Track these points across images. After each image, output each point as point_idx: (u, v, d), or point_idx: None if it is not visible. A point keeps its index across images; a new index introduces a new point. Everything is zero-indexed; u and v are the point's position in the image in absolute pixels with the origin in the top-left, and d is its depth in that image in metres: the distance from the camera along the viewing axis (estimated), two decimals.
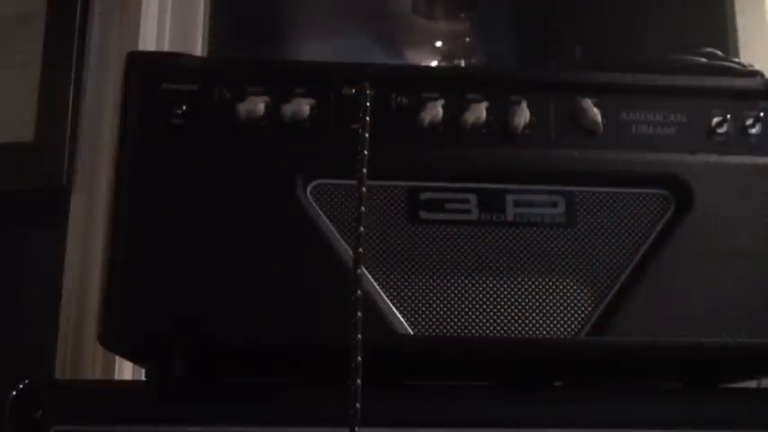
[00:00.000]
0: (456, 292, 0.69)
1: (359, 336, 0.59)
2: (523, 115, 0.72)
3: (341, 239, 0.68)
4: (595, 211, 0.72)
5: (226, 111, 0.70)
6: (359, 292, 0.61)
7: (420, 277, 0.69)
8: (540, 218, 0.71)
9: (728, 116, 0.74)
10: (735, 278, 0.70)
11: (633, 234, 0.71)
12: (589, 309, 0.70)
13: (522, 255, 0.70)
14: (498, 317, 0.69)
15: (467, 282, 0.69)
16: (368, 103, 0.68)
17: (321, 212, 0.69)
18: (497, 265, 0.70)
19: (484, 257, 0.70)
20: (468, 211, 0.71)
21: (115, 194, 0.69)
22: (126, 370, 1.25)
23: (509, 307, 0.69)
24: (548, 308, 0.69)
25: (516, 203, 0.72)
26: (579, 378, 0.80)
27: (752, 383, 0.87)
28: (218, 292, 0.66)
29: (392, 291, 0.69)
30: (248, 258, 0.67)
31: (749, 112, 0.75)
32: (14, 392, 0.65)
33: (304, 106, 0.70)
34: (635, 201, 0.72)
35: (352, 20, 1.87)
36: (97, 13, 1.42)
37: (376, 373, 0.59)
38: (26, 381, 0.66)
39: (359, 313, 0.60)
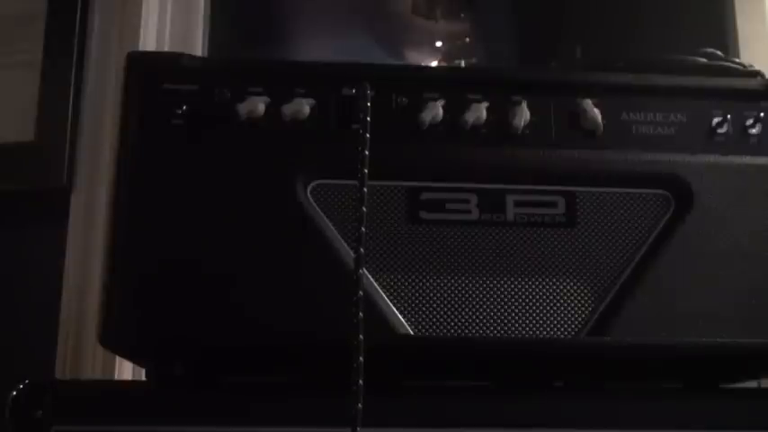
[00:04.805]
0: (456, 292, 0.69)
1: (360, 336, 0.59)
2: (523, 115, 0.72)
3: (341, 239, 0.68)
4: (595, 211, 0.72)
5: (226, 111, 0.70)
6: (360, 292, 0.61)
7: (420, 277, 0.69)
8: (540, 218, 0.71)
9: (728, 116, 0.74)
10: (735, 278, 0.70)
11: (633, 234, 0.72)
12: (589, 309, 0.70)
13: (522, 255, 0.70)
14: (498, 317, 0.69)
15: (467, 282, 0.69)
16: (368, 104, 0.67)
17: (321, 212, 0.69)
18: (497, 265, 0.70)
19: (484, 257, 0.70)
20: (468, 212, 0.71)
21: (115, 194, 0.69)
22: (126, 370, 1.25)
23: (509, 307, 0.69)
24: (548, 308, 0.69)
25: (516, 203, 0.72)
26: (579, 378, 0.80)
27: (752, 383, 0.87)
28: (219, 292, 0.66)
29: (392, 291, 0.69)
30: (248, 258, 0.67)
31: (749, 112, 0.75)
32: (14, 392, 0.65)
33: (304, 106, 0.70)
34: (635, 201, 0.72)
35: (353, 20, 1.87)
36: (97, 13, 1.42)
37: (376, 373, 0.59)
38: (26, 381, 0.66)
39: (360, 313, 0.60)
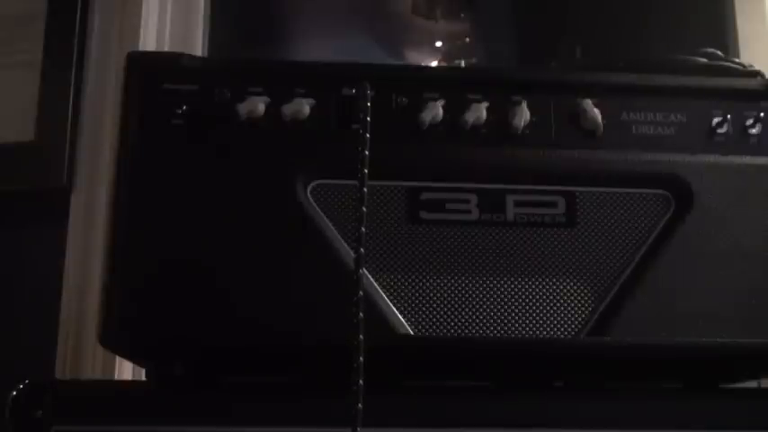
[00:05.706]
0: (456, 292, 0.69)
1: (360, 336, 0.59)
2: (523, 115, 0.72)
3: (341, 240, 0.68)
4: (595, 211, 0.72)
5: (226, 111, 0.70)
6: (360, 292, 0.61)
7: (420, 277, 0.69)
8: (540, 218, 0.71)
9: (728, 116, 0.74)
10: (735, 278, 0.70)
11: (633, 234, 0.72)
12: (589, 309, 0.70)
13: (522, 255, 0.70)
14: (498, 317, 0.69)
15: (467, 282, 0.69)
16: (368, 104, 0.67)
17: (321, 212, 0.69)
18: (497, 265, 0.70)
19: (484, 257, 0.70)
20: (468, 212, 0.71)
21: (115, 194, 0.69)
22: (126, 370, 1.25)
23: (509, 307, 0.69)
24: (548, 308, 0.69)
25: (516, 203, 0.72)
26: (579, 378, 0.80)
27: (752, 383, 0.87)
28: (219, 292, 0.66)
29: (392, 291, 0.69)
30: (248, 258, 0.67)
31: (749, 112, 0.75)
32: (14, 392, 0.65)
33: (304, 106, 0.70)
34: (635, 201, 0.72)
35: (353, 20, 1.87)
36: (97, 13, 1.42)
37: (376, 373, 0.59)
38: (26, 381, 0.66)
39: (360, 314, 0.60)
